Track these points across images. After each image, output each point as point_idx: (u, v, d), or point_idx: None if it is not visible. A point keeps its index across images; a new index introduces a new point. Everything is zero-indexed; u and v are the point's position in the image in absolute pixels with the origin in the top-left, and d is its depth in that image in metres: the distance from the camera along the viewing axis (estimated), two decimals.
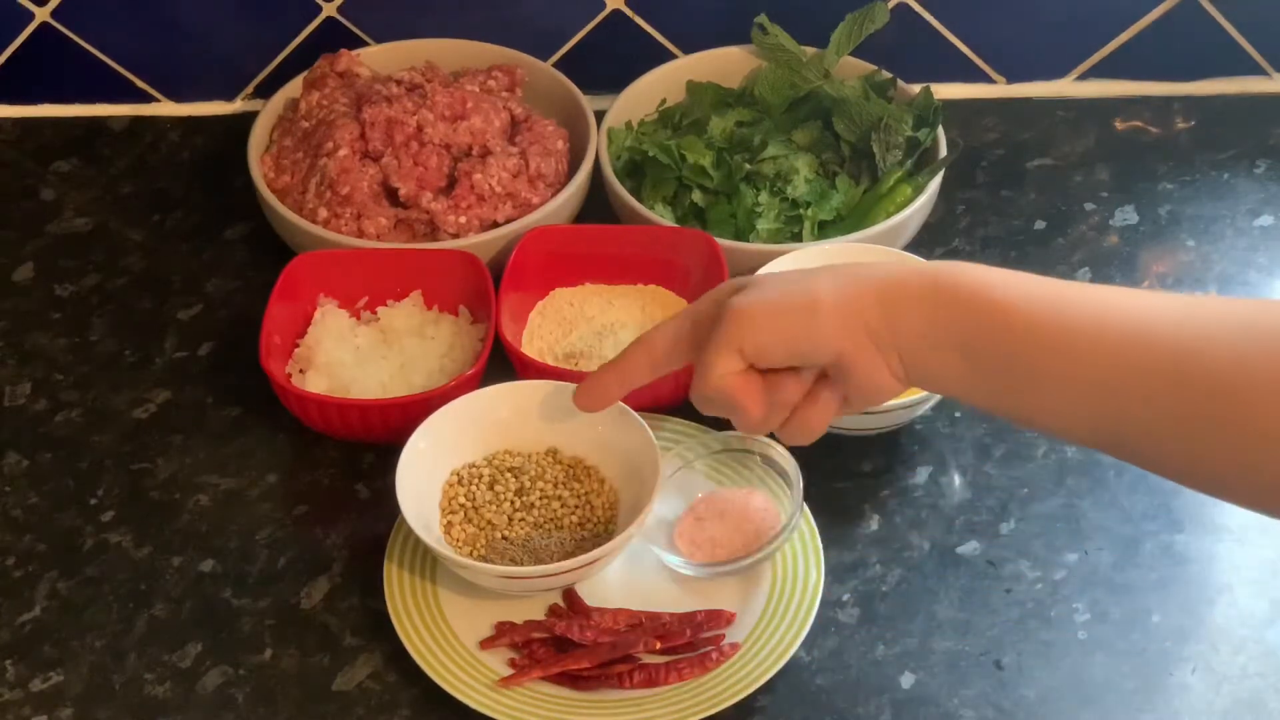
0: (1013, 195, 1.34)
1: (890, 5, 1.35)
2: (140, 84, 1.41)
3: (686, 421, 1.11)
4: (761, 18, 1.33)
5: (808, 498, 1.05)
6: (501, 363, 1.14)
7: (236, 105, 1.43)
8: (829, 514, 1.08)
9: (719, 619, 1.02)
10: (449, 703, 0.99)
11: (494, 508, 1.06)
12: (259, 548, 1.09)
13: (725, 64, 1.36)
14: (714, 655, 1.00)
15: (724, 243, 1.19)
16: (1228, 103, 1.41)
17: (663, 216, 1.23)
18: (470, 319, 1.20)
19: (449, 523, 1.06)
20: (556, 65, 1.38)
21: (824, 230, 1.24)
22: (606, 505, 1.07)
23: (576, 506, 1.07)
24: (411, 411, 1.08)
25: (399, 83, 1.28)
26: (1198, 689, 1.01)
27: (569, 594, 1.04)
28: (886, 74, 1.32)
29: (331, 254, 1.20)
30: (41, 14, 1.37)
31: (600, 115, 1.30)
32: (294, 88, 1.33)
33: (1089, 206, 1.32)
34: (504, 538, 1.05)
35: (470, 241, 1.22)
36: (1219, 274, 1.27)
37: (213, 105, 1.43)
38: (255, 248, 1.30)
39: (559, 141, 1.28)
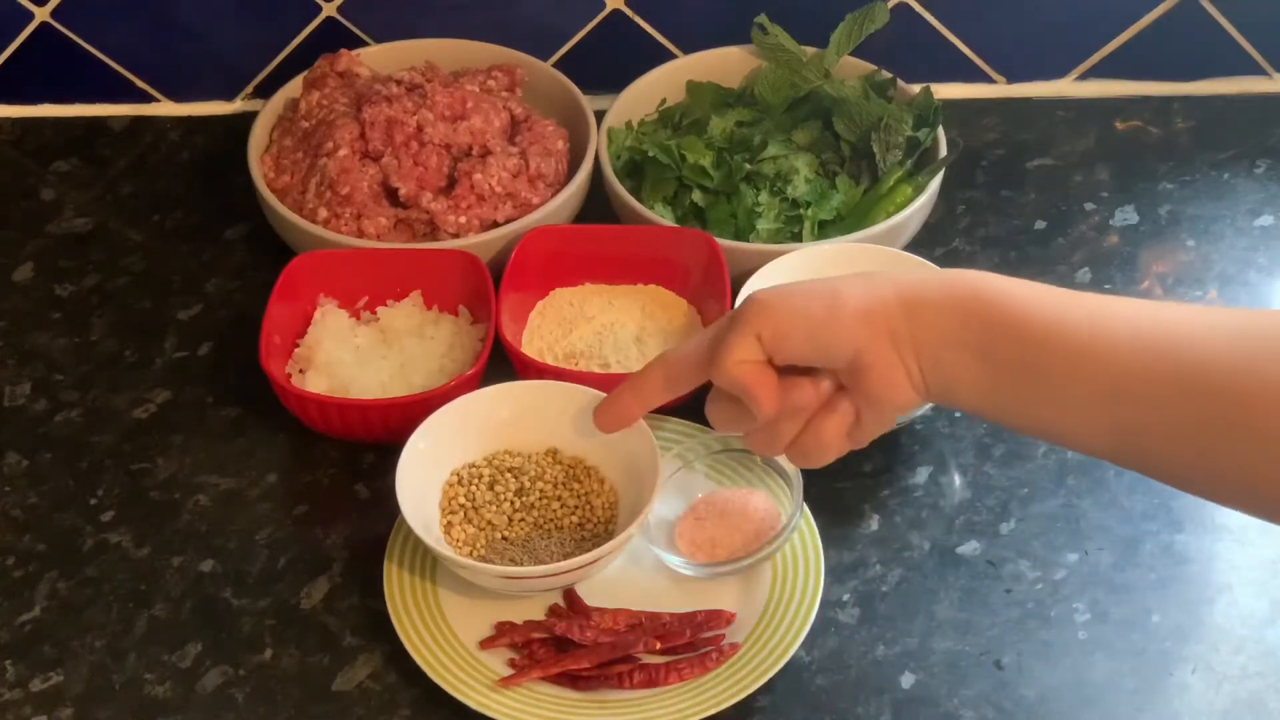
0: (1013, 195, 1.34)
1: (890, 5, 1.35)
2: (140, 84, 1.41)
3: (687, 422, 1.11)
4: (761, 18, 1.33)
5: (808, 498, 1.05)
6: (501, 363, 1.14)
7: (236, 105, 1.43)
8: (829, 514, 1.08)
9: (719, 619, 1.02)
10: (449, 703, 0.99)
11: (494, 508, 1.06)
12: (259, 548, 1.09)
13: (725, 64, 1.36)
14: (714, 655, 1.00)
15: (724, 243, 1.19)
16: (1228, 103, 1.41)
17: (663, 216, 1.23)
18: (470, 319, 1.20)
19: (449, 523, 1.06)
20: (556, 65, 1.38)
21: (824, 230, 1.24)
22: (606, 506, 1.07)
23: (576, 507, 1.07)
24: (411, 411, 1.08)
25: (399, 83, 1.28)
26: (1198, 689, 1.01)
27: (569, 594, 1.04)
28: (886, 74, 1.32)
29: (331, 254, 1.20)
30: (41, 14, 1.37)
31: (600, 115, 1.30)
32: (294, 88, 1.33)
33: (1089, 206, 1.32)
34: (504, 538, 1.05)
35: (470, 241, 1.22)
36: (1219, 274, 1.27)
37: (213, 105, 1.43)
38: (255, 248, 1.30)
39: (559, 141, 1.28)
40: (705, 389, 0.95)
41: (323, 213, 1.23)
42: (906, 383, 0.86)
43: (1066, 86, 1.42)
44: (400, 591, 1.03)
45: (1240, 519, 1.08)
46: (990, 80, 1.42)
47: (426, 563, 1.05)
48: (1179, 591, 1.06)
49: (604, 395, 1.03)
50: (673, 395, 0.96)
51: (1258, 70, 1.41)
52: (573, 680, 1.00)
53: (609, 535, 1.05)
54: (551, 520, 1.06)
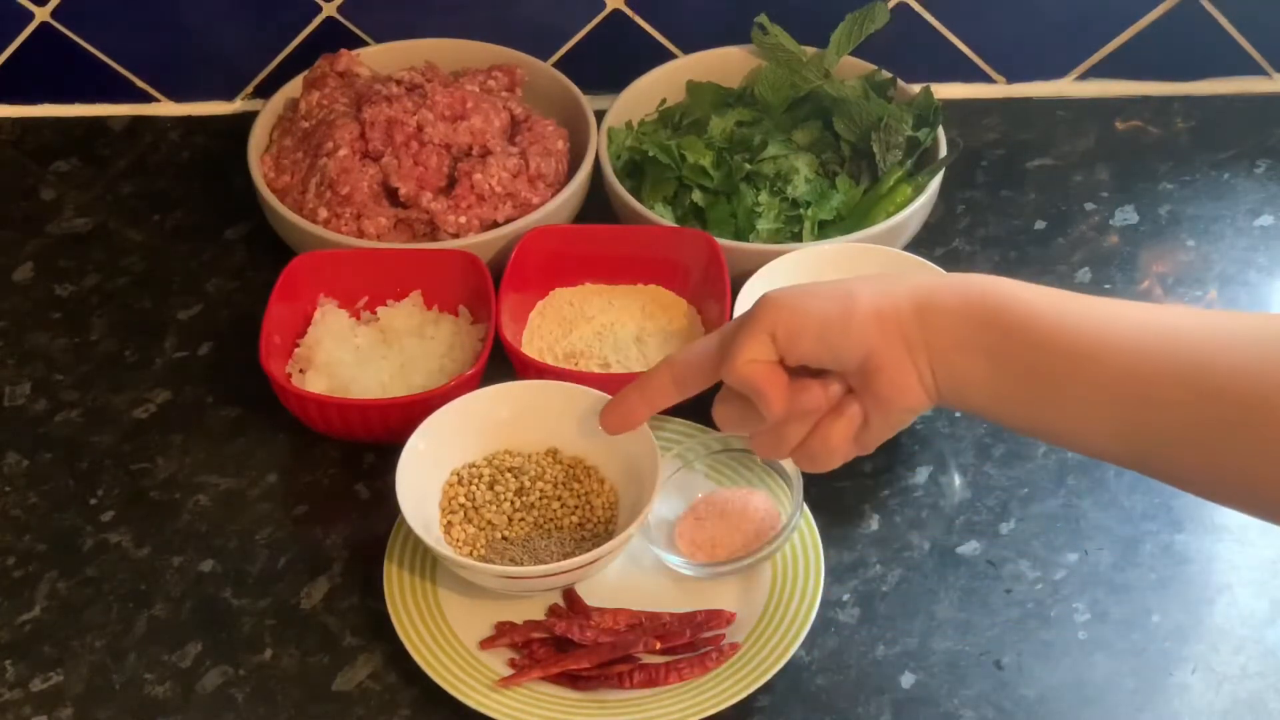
0: (1013, 195, 1.34)
1: (890, 5, 1.35)
2: (140, 84, 1.41)
3: (687, 422, 1.11)
4: (761, 18, 1.33)
5: (808, 498, 1.05)
6: (501, 363, 1.14)
7: (236, 105, 1.43)
8: (829, 514, 1.08)
9: (719, 619, 1.02)
10: (449, 703, 0.99)
11: (494, 508, 1.06)
12: (259, 548, 1.09)
13: (725, 64, 1.36)
14: (714, 655, 1.00)
15: (724, 243, 1.19)
16: (1228, 103, 1.41)
17: (663, 216, 1.23)
18: (470, 319, 1.20)
19: (449, 523, 1.06)
20: (556, 65, 1.37)
21: (824, 230, 1.24)
22: (606, 506, 1.07)
23: (576, 507, 1.07)
24: (411, 411, 1.08)
25: (399, 83, 1.28)
26: (1198, 689, 1.01)
27: (569, 594, 1.04)
28: (886, 74, 1.32)
29: (331, 254, 1.20)
30: (41, 14, 1.37)
31: (600, 115, 1.30)
32: (294, 88, 1.33)
33: (1089, 206, 1.32)
34: (504, 538, 1.05)
35: (470, 241, 1.22)
36: (1219, 274, 1.27)
37: (213, 105, 1.43)
38: (255, 248, 1.30)
39: (559, 141, 1.28)
40: (706, 391, 0.95)
41: (323, 213, 1.23)
42: (917, 385, 0.87)
43: (1066, 86, 1.42)
44: (400, 591, 1.03)
45: (1240, 519, 1.08)
46: (990, 80, 1.42)
47: (426, 563, 1.05)
48: (1179, 591, 1.06)
49: (604, 395, 1.03)
50: (680, 397, 0.96)
51: (1258, 70, 1.41)
52: (573, 680, 1.00)
53: (609, 535, 1.05)
54: (551, 520, 1.06)
